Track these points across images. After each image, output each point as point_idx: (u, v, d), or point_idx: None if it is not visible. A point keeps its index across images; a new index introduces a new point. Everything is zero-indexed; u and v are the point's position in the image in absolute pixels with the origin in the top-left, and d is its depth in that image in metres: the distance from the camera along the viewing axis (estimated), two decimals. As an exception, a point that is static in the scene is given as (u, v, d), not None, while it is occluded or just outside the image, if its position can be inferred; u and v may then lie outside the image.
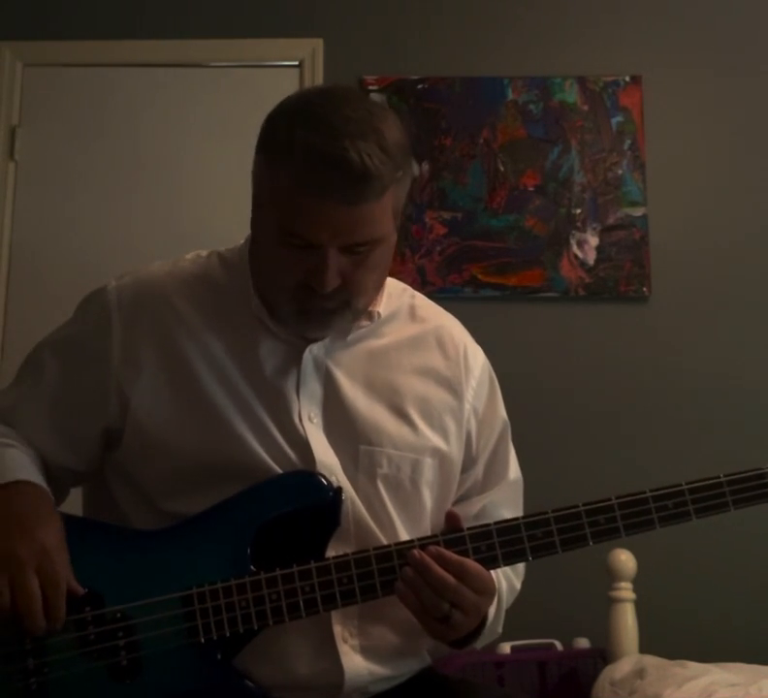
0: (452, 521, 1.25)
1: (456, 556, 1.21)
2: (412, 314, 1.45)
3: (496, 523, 1.24)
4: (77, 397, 1.33)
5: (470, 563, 1.21)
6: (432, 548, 1.21)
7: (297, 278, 1.24)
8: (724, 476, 1.25)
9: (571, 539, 1.23)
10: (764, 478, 1.26)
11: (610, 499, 1.25)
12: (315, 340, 1.34)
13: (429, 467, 1.36)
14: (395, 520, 1.32)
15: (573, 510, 1.24)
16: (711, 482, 1.25)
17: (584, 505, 1.24)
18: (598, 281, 2.95)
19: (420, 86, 3.05)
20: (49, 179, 3.07)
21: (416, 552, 1.20)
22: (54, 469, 1.34)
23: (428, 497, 1.36)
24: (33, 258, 3.03)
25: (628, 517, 1.24)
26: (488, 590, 1.24)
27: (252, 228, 1.33)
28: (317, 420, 1.32)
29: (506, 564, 1.25)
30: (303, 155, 1.18)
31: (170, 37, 3.10)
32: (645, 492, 1.25)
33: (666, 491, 1.25)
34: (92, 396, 1.32)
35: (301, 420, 1.31)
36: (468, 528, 1.24)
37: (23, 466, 1.27)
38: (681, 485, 1.25)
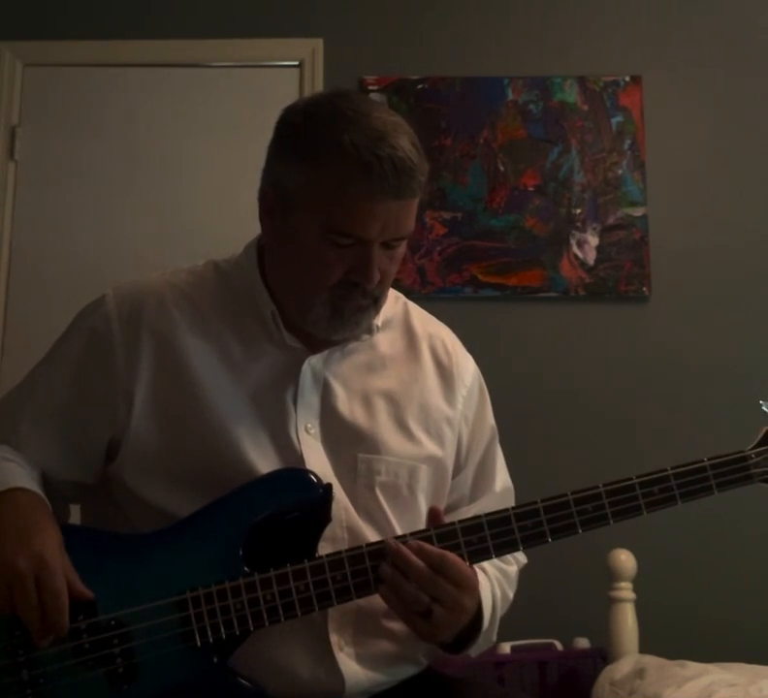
0: (434, 518, 1.26)
1: (436, 549, 1.21)
2: (406, 323, 1.46)
3: (486, 514, 1.25)
4: (85, 410, 1.32)
5: (451, 556, 1.21)
6: (413, 541, 1.22)
7: (337, 277, 1.27)
8: (708, 460, 1.28)
9: (561, 528, 1.24)
10: (746, 460, 1.28)
11: (598, 487, 1.26)
12: (336, 342, 1.35)
13: (424, 473, 1.38)
14: (395, 526, 1.33)
15: (562, 499, 1.25)
16: (695, 466, 1.27)
17: (572, 494, 1.25)
18: (598, 281, 2.95)
19: (420, 86, 3.05)
20: (49, 179, 3.07)
21: (393, 543, 1.21)
22: (59, 485, 1.34)
23: (422, 503, 1.37)
24: (33, 258, 3.03)
25: (616, 504, 1.25)
26: (469, 585, 1.24)
27: (274, 232, 1.33)
28: (315, 430, 1.33)
29: (498, 555, 1.26)
30: (354, 156, 1.22)
31: (170, 37, 3.10)
32: (631, 479, 1.26)
33: (652, 476, 1.26)
34: (101, 406, 1.31)
35: (297, 431, 1.32)
36: (459, 521, 1.25)
37: (19, 477, 1.26)
38: (666, 470, 1.27)
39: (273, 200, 1.31)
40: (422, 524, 1.33)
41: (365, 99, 1.35)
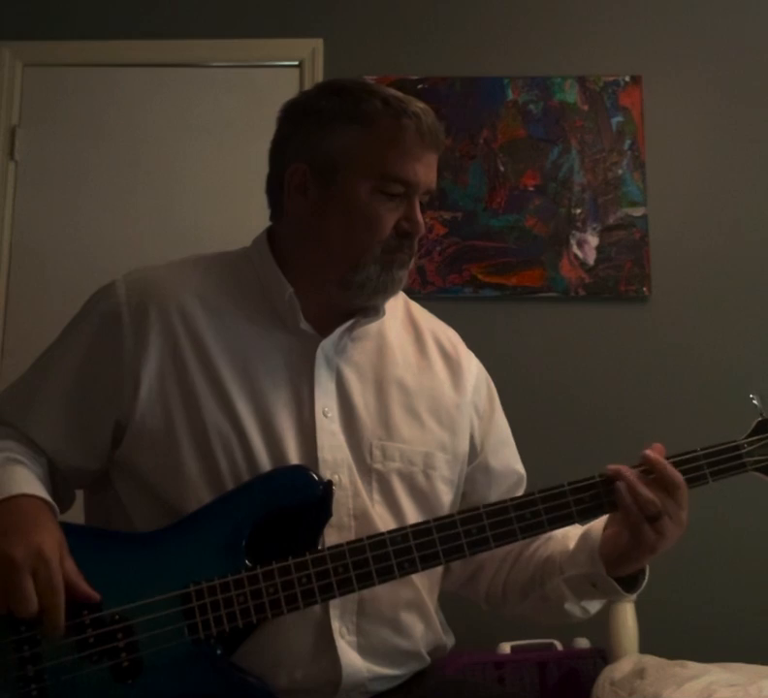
0: (655, 452, 1.32)
1: (674, 471, 1.29)
2: (409, 316, 1.50)
3: (484, 505, 1.28)
4: (92, 394, 1.34)
5: (682, 481, 1.28)
6: (653, 457, 1.31)
7: (389, 229, 1.35)
8: (702, 449, 1.32)
9: (557, 518, 1.28)
10: (738, 449, 1.32)
11: (594, 477, 1.29)
12: (367, 308, 1.39)
13: (442, 461, 1.40)
14: (407, 514, 1.34)
15: (558, 489, 1.28)
16: (689, 456, 1.32)
17: (569, 484, 1.28)
18: (598, 281, 2.95)
19: (420, 86, 3.05)
20: (49, 179, 3.07)
21: (650, 452, 1.31)
22: (65, 471, 1.35)
23: (444, 492, 1.39)
24: (33, 258, 3.03)
25: (612, 493, 1.28)
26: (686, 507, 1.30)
27: (313, 208, 1.37)
28: (332, 414, 1.34)
29: (496, 546, 1.27)
30: (400, 110, 1.35)
31: (170, 37, 3.10)
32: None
33: (648, 467, 1.30)
34: (107, 390, 1.33)
35: (314, 415, 1.33)
36: (459, 512, 1.28)
37: (28, 481, 1.27)
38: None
39: (306, 175, 1.36)
40: (443, 512, 1.36)
41: None
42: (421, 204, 1.38)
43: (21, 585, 1.15)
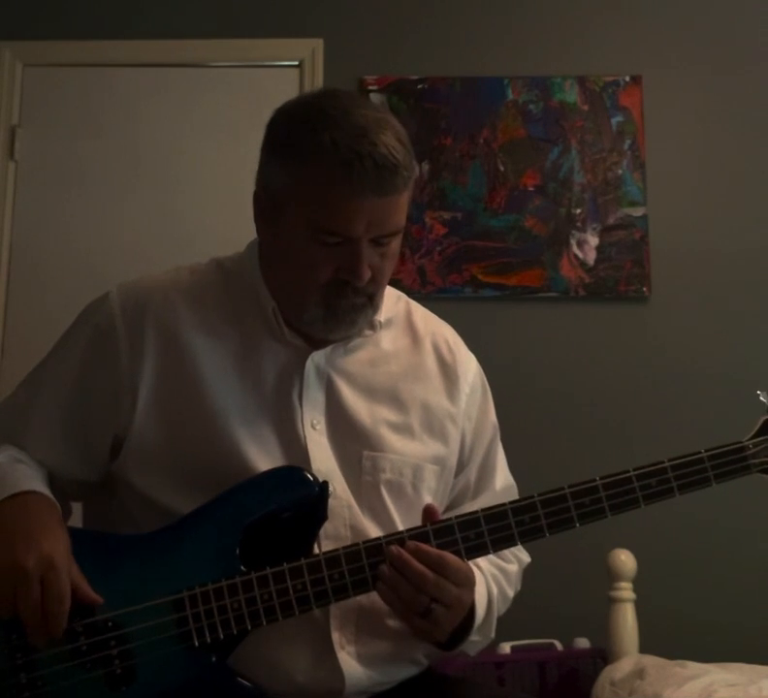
0: (430, 516, 1.25)
1: (434, 550, 1.21)
2: (408, 322, 1.47)
3: (483, 510, 1.25)
4: (90, 408, 1.33)
5: (449, 556, 1.22)
6: (410, 543, 1.21)
7: (328, 275, 1.27)
8: (705, 451, 1.27)
9: (558, 522, 1.24)
10: (743, 451, 1.28)
11: (595, 480, 1.26)
12: (335, 341, 1.35)
13: (430, 473, 1.38)
14: (399, 525, 1.33)
15: (559, 493, 1.25)
16: (692, 458, 1.27)
17: (569, 488, 1.25)
18: (598, 281, 2.95)
19: (420, 86, 3.05)
20: (49, 179, 3.07)
21: (394, 548, 1.20)
22: (63, 484, 1.34)
23: (428, 502, 1.37)
24: (33, 258, 3.02)
25: (613, 497, 1.25)
26: (468, 582, 1.25)
27: (267, 233, 1.34)
28: (320, 426, 1.33)
29: (495, 550, 1.26)
30: (333, 155, 1.21)
31: (170, 37, 3.10)
32: (628, 472, 1.26)
33: (649, 469, 1.26)
34: (105, 402, 1.32)
35: (303, 427, 1.32)
36: (456, 517, 1.25)
37: (31, 479, 1.27)
38: (663, 462, 1.27)
39: (264, 202, 1.32)
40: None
41: (351, 97, 1.32)
42: (380, 243, 1.27)
43: (31, 594, 1.15)
